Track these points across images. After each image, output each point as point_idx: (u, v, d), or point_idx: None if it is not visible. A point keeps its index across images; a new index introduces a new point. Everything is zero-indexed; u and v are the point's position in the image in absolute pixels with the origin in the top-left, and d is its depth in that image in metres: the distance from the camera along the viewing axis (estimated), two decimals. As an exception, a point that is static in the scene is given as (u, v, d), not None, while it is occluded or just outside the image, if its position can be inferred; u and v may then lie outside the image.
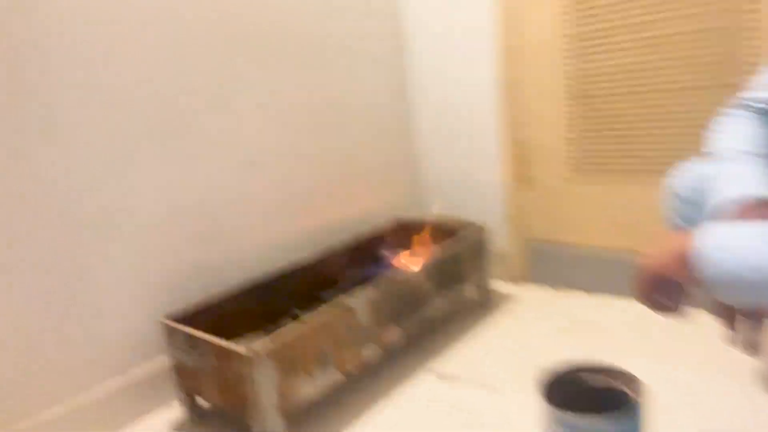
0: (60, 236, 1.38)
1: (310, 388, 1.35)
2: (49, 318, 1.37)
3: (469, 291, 1.85)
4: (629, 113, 1.73)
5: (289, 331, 1.31)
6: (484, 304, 1.92)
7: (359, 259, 1.98)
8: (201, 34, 1.61)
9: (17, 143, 1.30)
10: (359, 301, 1.46)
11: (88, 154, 1.41)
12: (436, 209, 2.27)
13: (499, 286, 2.08)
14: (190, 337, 1.37)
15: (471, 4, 1.98)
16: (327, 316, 1.38)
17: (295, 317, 1.70)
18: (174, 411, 1.54)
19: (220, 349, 1.28)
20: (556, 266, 2.00)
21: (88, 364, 1.45)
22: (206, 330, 1.54)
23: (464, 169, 2.15)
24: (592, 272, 1.91)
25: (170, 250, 1.58)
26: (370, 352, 1.50)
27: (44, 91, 1.33)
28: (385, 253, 1.98)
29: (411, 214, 2.23)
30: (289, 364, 1.30)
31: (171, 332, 1.44)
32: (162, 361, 1.55)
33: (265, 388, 1.25)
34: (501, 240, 2.10)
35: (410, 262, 1.87)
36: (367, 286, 1.51)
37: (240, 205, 1.73)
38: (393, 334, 1.57)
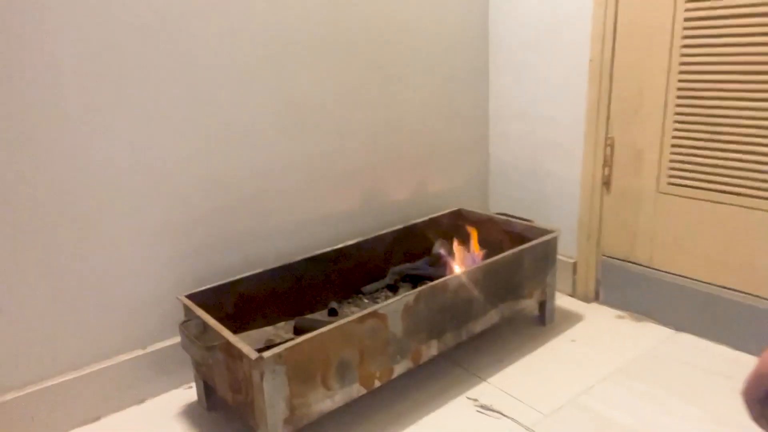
0: (82, 205, 1.26)
1: (326, 401, 1.19)
2: (68, 283, 1.27)
3: (528, 305, 1.61)
4: (750, 122, 1.41)
5: (308, 336, 1.14)
6: (544, 322, 1.68)
7: (409, 251, 1.78)
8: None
9: (25, 115, 1.18)
10: (394, 307, 1.27)
11: (105, 123, 1.28)
12: (502, 205, 2.04)
13: (564, 302, 1.83)
14: (203, 323, 1.23)
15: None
16: (352, 322, 1.20)
17: (333, 313, 1.54)
18: (192, 394, 1.43)
19: (228, 345, 1.13)
20: (632, 289, 1.72)
21: (108, 334, 1.36)
22: (232, 312, 1.42)
23: (539, 163, 1.88)
24: (673, 303, 1.62)
25: (199, 223, 1.44)
26: (400, 368, 1.32)
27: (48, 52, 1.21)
28: (439, 249, 1.77)
29: (474, 207, 2.00)
30: (304, 373, 1.14)
31: (187, 313, 1.31)
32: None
33: (273, 397, 1.10)
34: (571, 250, 1.84)
35: (463, 263, 1.66)
36: (405, 289, 1.32)
37: (279, 175, 1.57)
38: (430, 349, 1.37)
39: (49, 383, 1.28)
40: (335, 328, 1.17)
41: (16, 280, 1.22)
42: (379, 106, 1.73)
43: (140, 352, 1.41)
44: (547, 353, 1.54)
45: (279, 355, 1.09)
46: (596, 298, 1.82)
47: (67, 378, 1.31)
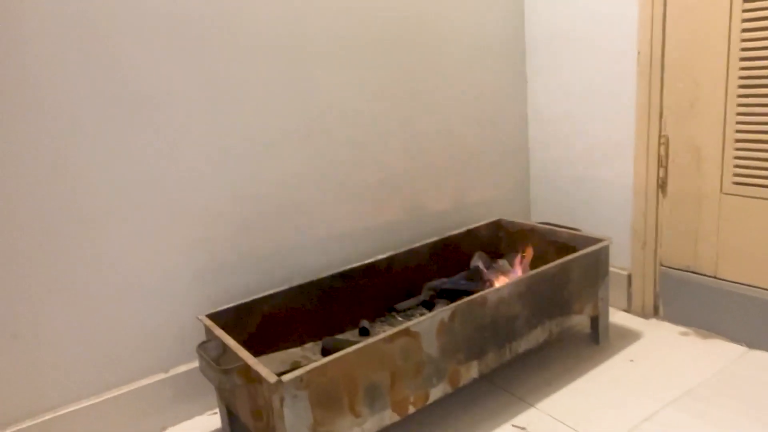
0: (100, 224, 1.21)
1: (354, 430, 1.07)
2: (86, 305, 1.21)
3: (579, 322, 1.47)
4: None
5: (332, 358, 1.03)
6: (598, 340, 1.53)
7: (446, 265, 1.66)
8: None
9: (38, 130, 1.13)
10: (427, 325, 1.15)
11: (122, 136, 1.22)
12: (547, 214, 1.90)
13: (619, 318, 1.67)
14: (223, 344, 1.15)
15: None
16: (381, 342, 1.09)
17: (364, 332, 1.44)
18: (216, 420, 1.35)
19: (246, 367, 1.04)
20: (696, 302, 1.55)
21: (128, 357, 1.29)
22: (256, 333, 1.34)
23: (585, 167, 1.74)
24: (744, 317, 1.45)
25: (223, 239, 1.37)
26: (437, 392, 1.19)
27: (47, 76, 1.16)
28: (478, 262, 1.65)
29: (515, 215, 1.87)
30: (329, 398, 1.03)
31: (207, 334, 1.23)
32: (199, 363, 1.37)
33: (295, 425, 0.99)
34: (624, 261, 1.68)
35: (504, 278, 1.53)
36: (442, 306, 1.20)
37: (306, 187, 1.49)
38: (469, 371, 1.24)
39: (66, 410, 1.22)
40: (362, 348, 1.06)
41: (31, 304, 1.17)
42: (411, 113, 1.64)
43: (162, 375, 1.33)
44: (602, 375, 1.39)
45: (300, 379, 0.99)
46: (656, 314, 1.65)
47: (84, 404, 1.24)
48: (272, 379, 0.97)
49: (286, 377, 0.97)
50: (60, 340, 1.21)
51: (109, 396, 1.27)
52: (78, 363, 1.24)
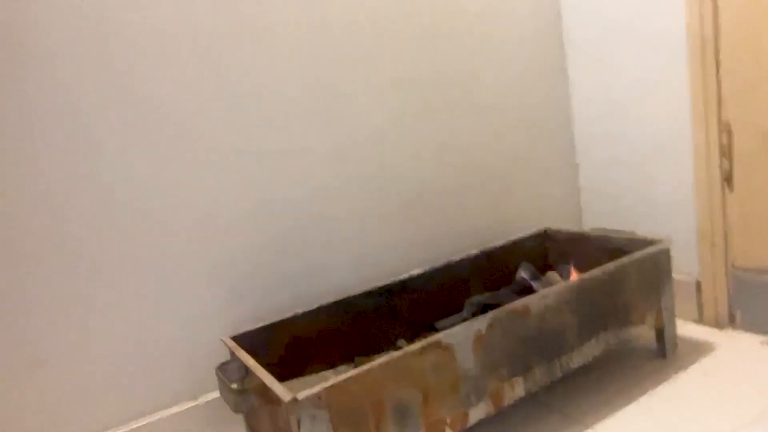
0: (123, 248, 1.18)
1: (383, 454, 0.97)
2: (111, 330, 1.18)
3: (641, 334, 1.31)
4: None
5: (354, 373, 0.94)
6: (665, 354, 1.36)
7: (489, 280, 1.55)
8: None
9: (58, 157, 1.13)
10: (461, 337, 1.04)
11: (149, 154, 1.20)
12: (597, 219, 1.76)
13: (688, 329, 1.49)
14: (245, 366, 1.08)
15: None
16: (409, 356, 0.99)
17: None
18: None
19: (264, 387, 0.96)
20: (781, 307, 1.36)
21: (155, 385, 1.24)
22: (285, 355, 1.27)
23: (639, 166, 1.60)
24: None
25: (251, 257, 1.32)
26: (477, 412, 1.07)
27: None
28: (524, 274, 1.53)
29: (564, 224, 1.74)
30: (353, 419, 0.94)
31: (231, 356, 1.17)
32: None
33: (316, 450, 0.90)
34: (691, 265, 1.51)
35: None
36: (479, 317, 1.09)
37: (338, 204, 1.42)
38: (514, 389, 1.11)
39: (91, 439, 1.18)
40: (387, 362, 0.96)
41: (56, 329, 1.15)
42: (445, 122, 1.56)
43: (191, 403, 1.27)
44: (671, 391, 1.22)
45: (318, 397, 0.90)
46: (731, 323, 1.46)
47: (110, 434, 1.20)
48: (287, 397, 0.88)
49: (301, 395, 0.89)
50: (85, 366, 1.18)
51: (135, 426, 1.22)
52: (103, 390, 1.20)
